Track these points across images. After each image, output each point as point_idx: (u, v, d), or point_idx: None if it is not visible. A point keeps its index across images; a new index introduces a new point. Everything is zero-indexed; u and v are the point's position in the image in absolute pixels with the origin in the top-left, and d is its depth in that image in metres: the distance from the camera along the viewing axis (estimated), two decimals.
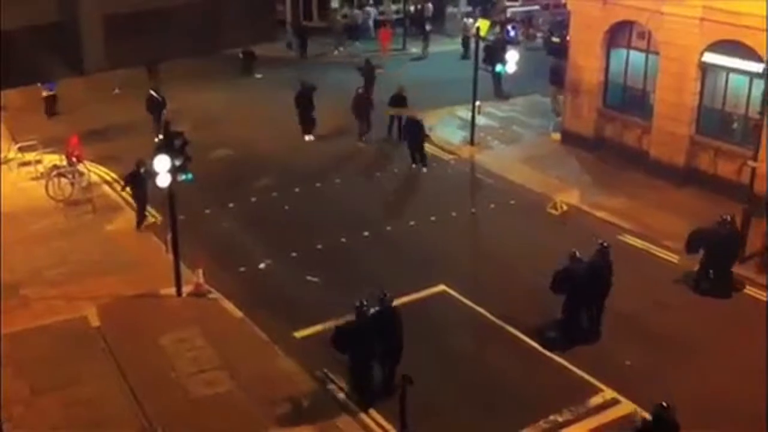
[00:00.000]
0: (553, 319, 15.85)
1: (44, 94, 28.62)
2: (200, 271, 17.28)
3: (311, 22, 40.98)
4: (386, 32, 37.34)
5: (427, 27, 38.39)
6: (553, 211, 21.25)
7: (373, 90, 28.13)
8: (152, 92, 26.50)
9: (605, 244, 15.89)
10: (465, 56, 35.66)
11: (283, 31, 38.77)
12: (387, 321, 13.96)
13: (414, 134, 24.34)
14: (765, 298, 17.44)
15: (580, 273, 15.42)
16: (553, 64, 29.62)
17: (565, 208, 21.30)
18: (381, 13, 41.92)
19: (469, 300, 17.21)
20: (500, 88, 29.58)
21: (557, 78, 27.83)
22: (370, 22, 40.88)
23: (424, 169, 24.05)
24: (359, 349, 13.76)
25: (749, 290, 17.78)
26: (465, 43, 36.73)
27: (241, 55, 34.11)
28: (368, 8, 41.50)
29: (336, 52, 37.83)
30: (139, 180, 20.09)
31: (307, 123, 26.27)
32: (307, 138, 26.43)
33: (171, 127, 23.76)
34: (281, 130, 26.88)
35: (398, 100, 25.82)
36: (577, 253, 15.54)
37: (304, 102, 26.29)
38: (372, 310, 13.89)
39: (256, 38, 35.72)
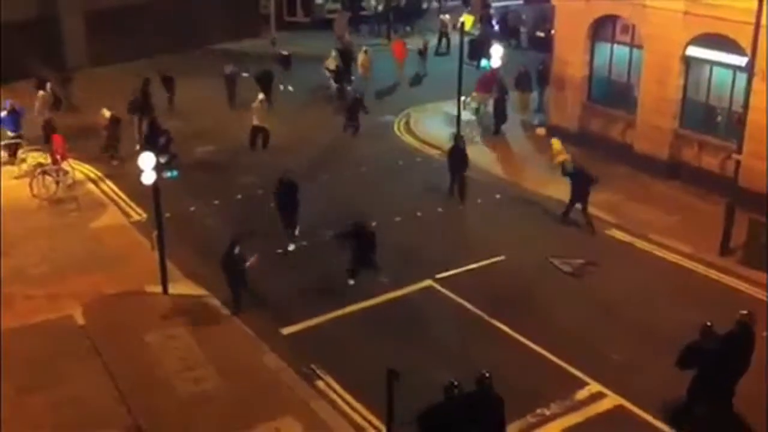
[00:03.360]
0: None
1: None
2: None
3: (295, 17, 40.94)
4: (399, 44, 34.01)
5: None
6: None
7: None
8: (139, 94, 26.04)
9: (747, 314, 13.34)
10: (437, 52, 35.96)
11: (266, 27, 38.52)
12: (484, 405, 11.96)
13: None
14: (745, 289, 17.61)
15: (713, 350, 12.92)
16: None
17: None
18: (362, 9, 41.78)
19: (456, 295, 17.23)
20: (499, 127, 27.22)
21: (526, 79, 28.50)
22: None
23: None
24: None
25: (732, 282, 17.90)
26: (440, 39, 36.79)
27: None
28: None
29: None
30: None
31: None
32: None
33: (156, 124, 24.00)
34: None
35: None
36: (712, 326, 13.14)
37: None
38: (466, 391, 11.79)
39: (240, 34, 35.63)
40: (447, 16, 37.57)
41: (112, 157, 23.98)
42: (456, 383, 11.72)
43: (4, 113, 23.61)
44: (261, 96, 25.70)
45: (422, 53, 34.24)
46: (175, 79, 29.08)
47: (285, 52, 33.66)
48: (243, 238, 16.86)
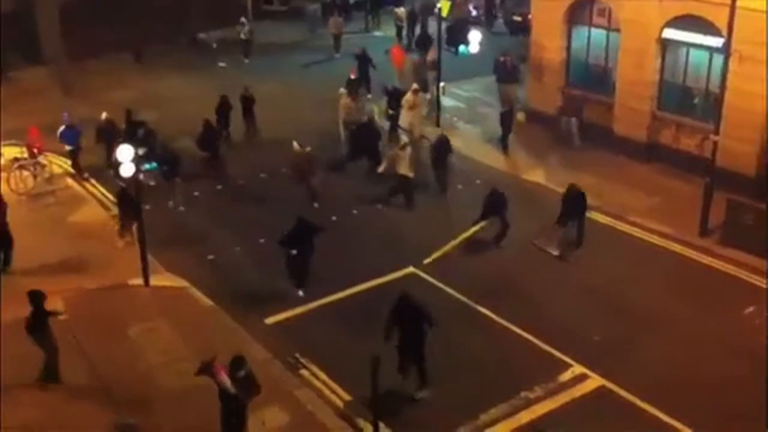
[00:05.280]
0: None
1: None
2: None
3: (272, 6, 40.67)
4: (398, 50, 30.96)
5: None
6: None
7: None
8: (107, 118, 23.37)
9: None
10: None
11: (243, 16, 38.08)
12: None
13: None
14: (724, 269, 17.81)
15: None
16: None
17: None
18: None
19: (439, 281, 17.28)
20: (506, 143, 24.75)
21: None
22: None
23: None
24: None
25: (712, 262, 18.07)
26: (399, 32, 35.63)
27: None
28: None
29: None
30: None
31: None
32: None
33: (133, 117, 23.78)
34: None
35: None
36: None
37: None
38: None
39: (220, 23, 35.38)
40: (402, 9, 36.23)
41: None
42: None
43: (63, 128, 22.41)
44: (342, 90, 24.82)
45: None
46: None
47: (244, 37, 33.66)
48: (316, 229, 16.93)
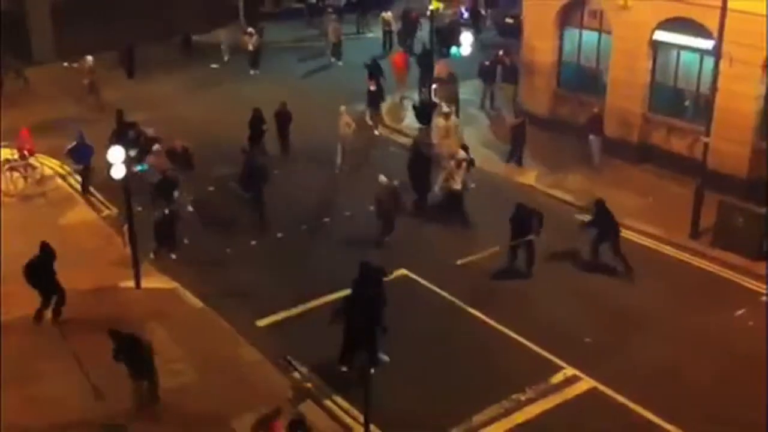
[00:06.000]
0: None
1: None
2: None
3: (263, 8, 40.61)
4: (401, 56, 29.58)
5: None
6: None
7: None
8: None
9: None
10: (384, 52, 33.54)
11: (246, 16, 37.70)
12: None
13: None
14: (716, 271, 17.90)
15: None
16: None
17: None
18: None
19: (431, 283, 17.28)
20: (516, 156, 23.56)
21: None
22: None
23: None
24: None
25: (704, 264, 18.12)
26: (385, 38, 34.75)
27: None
28: None
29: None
30: None
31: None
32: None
33: (124, 117, 23.71)
34: (238, 119, 26.62)
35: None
36: None
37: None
38: None
39: (212, 24, 35.27)
40: (389, 13, 35.17)
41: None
42: None
43: (73, 144, 21.28)
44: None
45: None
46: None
47: (252, 48, 32.28)
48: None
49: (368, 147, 24.32)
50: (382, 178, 19.11)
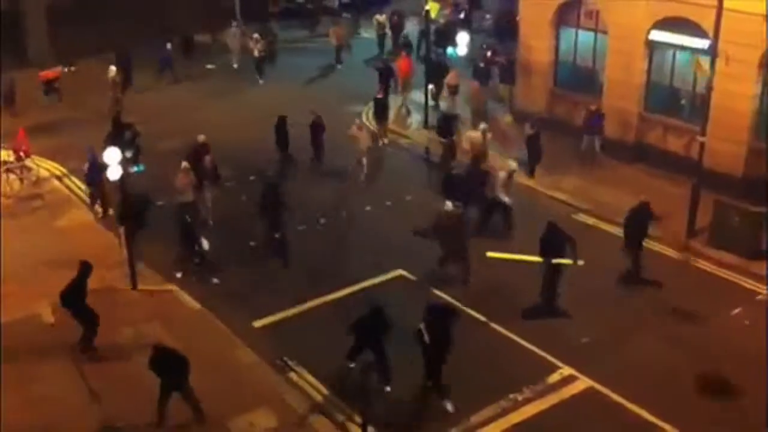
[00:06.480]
0: None
1: None
2: None
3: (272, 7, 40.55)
4: (406, 61, 28.43)
5: None
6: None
7: None
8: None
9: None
10: (381, 53, 33.43)
11: (245, 18, 37.04)
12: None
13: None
14: (712, 270, 17.93)
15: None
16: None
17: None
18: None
19: (427, 284, 17.28)
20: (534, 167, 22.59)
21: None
22: None
23: None
24: None
25: (700, 264, 18.15)
26: (380, 40, 34.27)
27: None
28: None
29: None
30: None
31: None
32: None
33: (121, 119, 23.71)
34: (234, 119, 26.65)
35: None
36: None
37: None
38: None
39: (209, 25, 35.17)
40: (383, 16, 34.50)
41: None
42: None
43: (87, 165, 20.24)
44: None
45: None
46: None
47: (258, 54, 31.50)
48: None
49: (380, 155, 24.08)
50: (449, 205, 17.52)
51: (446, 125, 23.44)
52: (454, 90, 26.78)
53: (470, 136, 22.42)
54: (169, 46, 31.03)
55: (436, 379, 13.66)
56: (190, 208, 18.53)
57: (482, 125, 22.95)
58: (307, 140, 23.31)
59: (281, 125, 23.03)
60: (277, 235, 18.24)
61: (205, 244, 17.83)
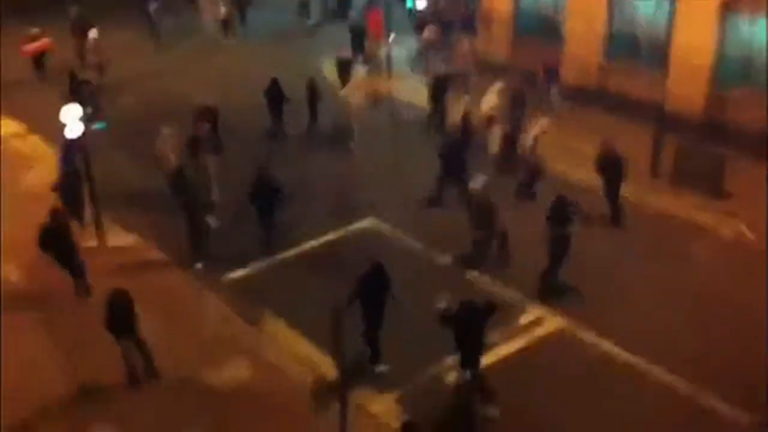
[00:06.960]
0: None
1: None
2: None
3: None
4: (376, 14, 26.79)
5: None
6: None
7: None
8: None
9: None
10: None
11: None
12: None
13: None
14: (677, 211, 18.15)
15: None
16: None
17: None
18: None
19: (399, 231, 17.36)
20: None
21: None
22: None
23: None
24: None
25: (663, 204, 18.40)
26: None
27: None
28: None
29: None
30: None
31: None
32: None
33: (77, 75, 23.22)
34: (192, 73, 26.26)
35: None
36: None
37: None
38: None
39: None
40: None
41: None
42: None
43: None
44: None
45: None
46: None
47: (224, 17, 30.67)
48: None
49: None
50: (478, 181, 15.87)
51: (440, 89, 21.97)
52: (433, 45, 25.39)
53: (491, 98, 20.59)
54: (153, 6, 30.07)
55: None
56: (178, 178, 17.34)
57: (498, 84, 21.09)
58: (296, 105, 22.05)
59: (273, 89, 21.36)
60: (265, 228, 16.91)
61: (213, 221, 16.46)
